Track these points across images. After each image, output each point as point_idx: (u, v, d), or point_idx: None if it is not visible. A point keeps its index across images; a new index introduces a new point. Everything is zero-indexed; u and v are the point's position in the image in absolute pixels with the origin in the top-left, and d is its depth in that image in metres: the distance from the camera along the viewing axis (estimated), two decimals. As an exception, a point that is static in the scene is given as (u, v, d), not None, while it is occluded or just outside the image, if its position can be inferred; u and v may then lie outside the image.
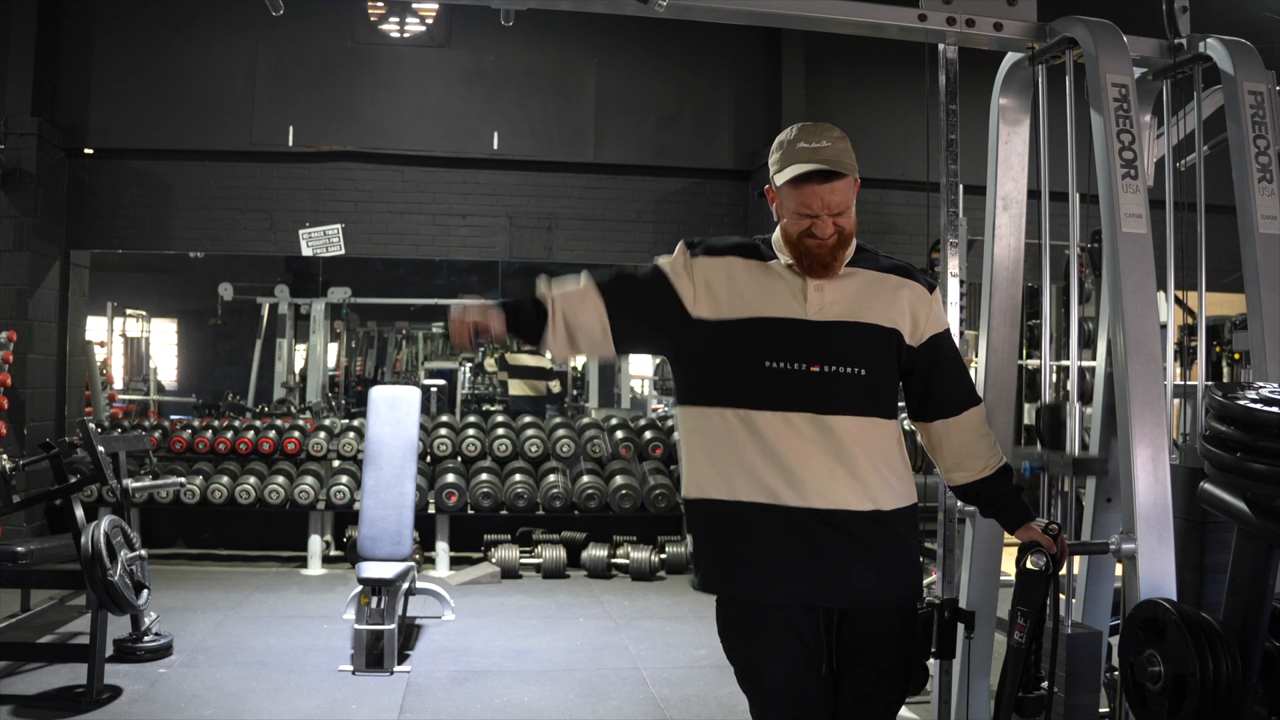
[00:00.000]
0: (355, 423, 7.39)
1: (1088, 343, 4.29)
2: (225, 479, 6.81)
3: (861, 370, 2.10)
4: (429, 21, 8.09)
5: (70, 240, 7.64)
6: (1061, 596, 2.43)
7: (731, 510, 2.10)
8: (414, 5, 7.95)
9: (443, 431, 7.37)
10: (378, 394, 5.56)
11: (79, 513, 4.34)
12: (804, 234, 2.09)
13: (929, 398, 2.23)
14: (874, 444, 2.11)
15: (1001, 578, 3.21)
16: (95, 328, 10.04)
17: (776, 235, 2.19)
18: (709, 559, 2.16)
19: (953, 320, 3.22)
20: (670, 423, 7.70)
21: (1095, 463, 2.94)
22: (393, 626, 4.57)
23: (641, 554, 6.71)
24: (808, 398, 2.07)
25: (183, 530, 7.37)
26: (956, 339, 2.69)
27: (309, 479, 6.80)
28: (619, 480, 6.95)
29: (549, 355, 2.25)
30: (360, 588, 4.66)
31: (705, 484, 2.14)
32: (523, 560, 6.76)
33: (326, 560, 6.91)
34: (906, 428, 3.22)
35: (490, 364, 11.60)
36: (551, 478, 6.97)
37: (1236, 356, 6.17)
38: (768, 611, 2.09)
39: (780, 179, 2.09)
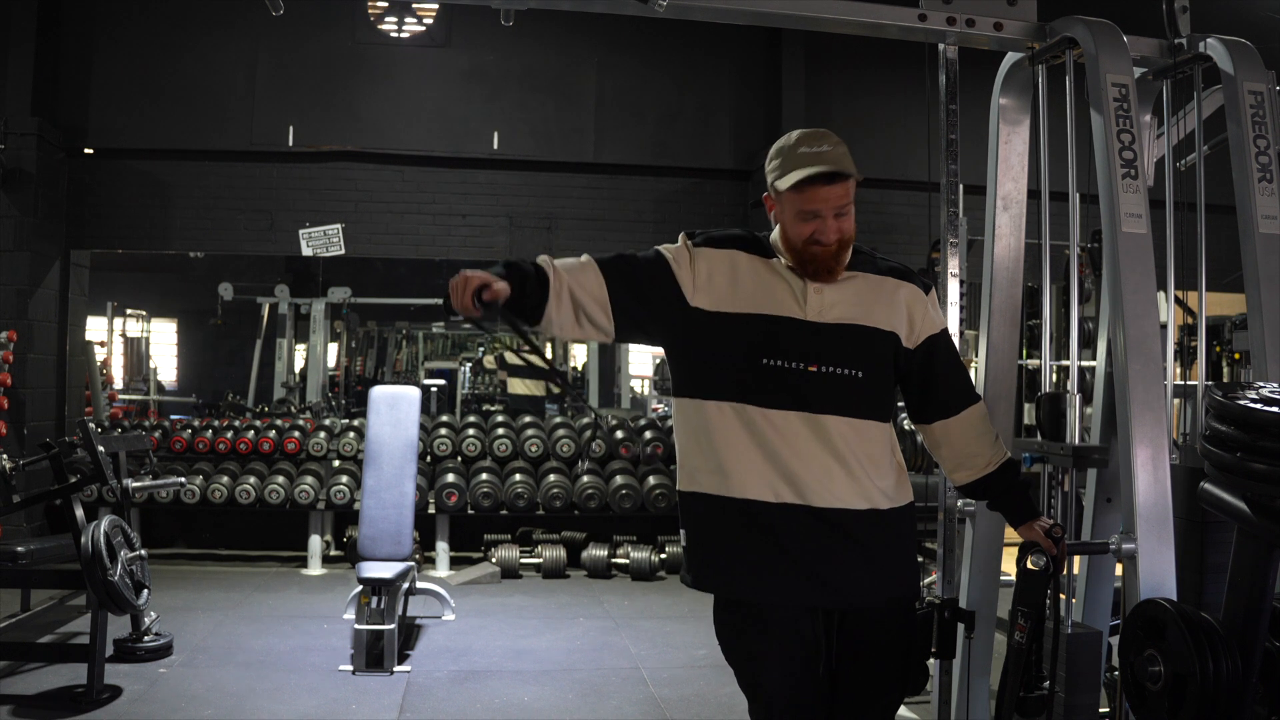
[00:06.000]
0: (355, 423, 7.39)
1: (1088, 343, 4.29)
2: (225, 479, 6.80)
3: (859, 372, 2.10)
4: (429, 21, 8.09)
5: (70, 240, 7.64)
6: (1061, 596, 2.43)
7: (728, 506, 2.08)
8: (414, 5, 7.95)
9: (443, 431, 7.37)
10: (378, 394, 5.56)
11: (79, 513, 4.34)
12: (809, 241, 2.07)
13: (927, 399, 2.23)
14: (868, 445, 2.10)
15: (1001, 578, 3.21)
16: (95, 328, 10.04)
17: (775, 236, 2.19)
18: (702, 555, 2.15)
19: (953, 320, 3.22)
20: (670, 423, 7.69)
21: (1094, 452, 2.93)
22: (393, 626, 4.57)
23: (641, 554, 6.71)
24: (803, 397, 2.06)
25: (183, 530, 7.37)
26: (956, 339, 2.69)
27: (309, 479, 6.79)
28: (619, 480, 6.95)
29: (551, 333, 2.16)
30: (360, 588, 4.66)
31: (700, 477, 2.12)
32: (523, 560, 6.75)
33: (326, 560, 6.91)
34: (906, 428, 3.21)
35: (490, 361, 11.61)
36: (552, 477, 6.97)
37: (1236, 356, 6.16)
38: (768, 612, 2.09)
39: (784, 183, 2.07)
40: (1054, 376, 5.66)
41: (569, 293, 2.04)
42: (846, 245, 2.11)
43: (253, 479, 6.82)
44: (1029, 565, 2.23)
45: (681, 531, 2.20)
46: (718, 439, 2.09)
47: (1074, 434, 2.89)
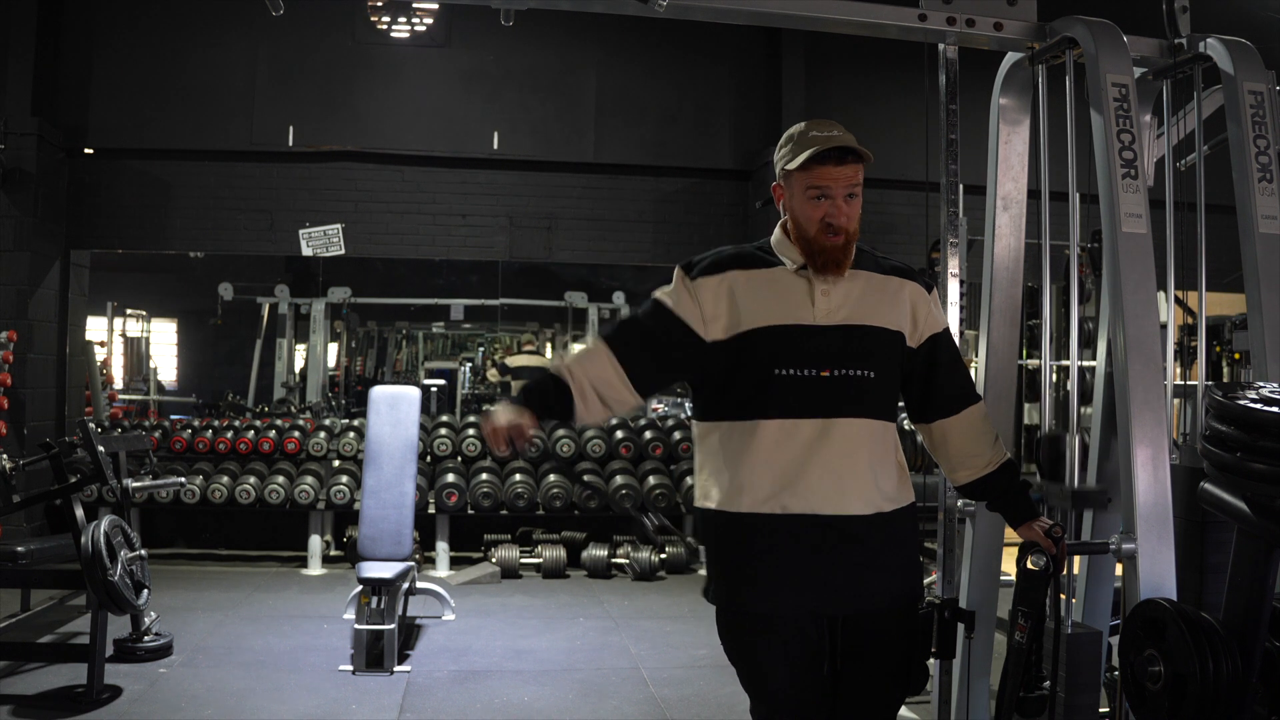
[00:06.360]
0: (355, 422, 7.38)
1: (1088, 343, 4.29)
2: (225, 479, 6.80)
3: (870, 373, 2.11)
4: (429, 21, 8.08)
5: (70, 240, 7.65)
6: (1061, 596, 2.43)
7: (737, 522, 2.11)
8: (414, 5, 7.95)
9: (443, 431, 7.36)
10: (378, 394, 5.56)
11: (79, 513, 4.34)
12: (822, 227, 2.09)
13: (928, 399, 2.23)
14: (878, 446, 2.12)
15: (1001, 578, 3.22)
16: (95, 328, 10.03)
17: (778, 236, 2.19)
18: (717, 570, 2.18)
19: (953, 320, 3.22)
20: (670, 423, 7.70)
21: (1094, 495, 2.94)
22: (393, 626, 4.57)
23: (642, 554, 6.70)
24: (817, 403, 2.08)
25: (183, 530, 7.37)
26: (956, 339, 2.69)
27: (309, 479, 6.79)
28: (619, 480, 6.95)
29: (587, 425, 2.17)
30: (360, 588, 4.66)
31: (713, 494, 2.16)
32: (523, 560, 6.75)
33: (326, 560, 6.91)
34: (906, 428, 3.21)
35: (493, 374, 11.61)
36: (552, 477, 6.97)
37: (1236, 356, 6.17)
38: (774, 617, 2.10)
39: (795, 163, 2.10)
40: (1054, 377, 5.68)
41: (590, 388, 2.12)
42: (853, 239, 2.14)
43: (253, 479, 6.82)
44: (1029, 565, 2.23)
45: (700, 548, 2.24)
46: (729, 458, 2.12)
47: (1073, 476, 2.90)
